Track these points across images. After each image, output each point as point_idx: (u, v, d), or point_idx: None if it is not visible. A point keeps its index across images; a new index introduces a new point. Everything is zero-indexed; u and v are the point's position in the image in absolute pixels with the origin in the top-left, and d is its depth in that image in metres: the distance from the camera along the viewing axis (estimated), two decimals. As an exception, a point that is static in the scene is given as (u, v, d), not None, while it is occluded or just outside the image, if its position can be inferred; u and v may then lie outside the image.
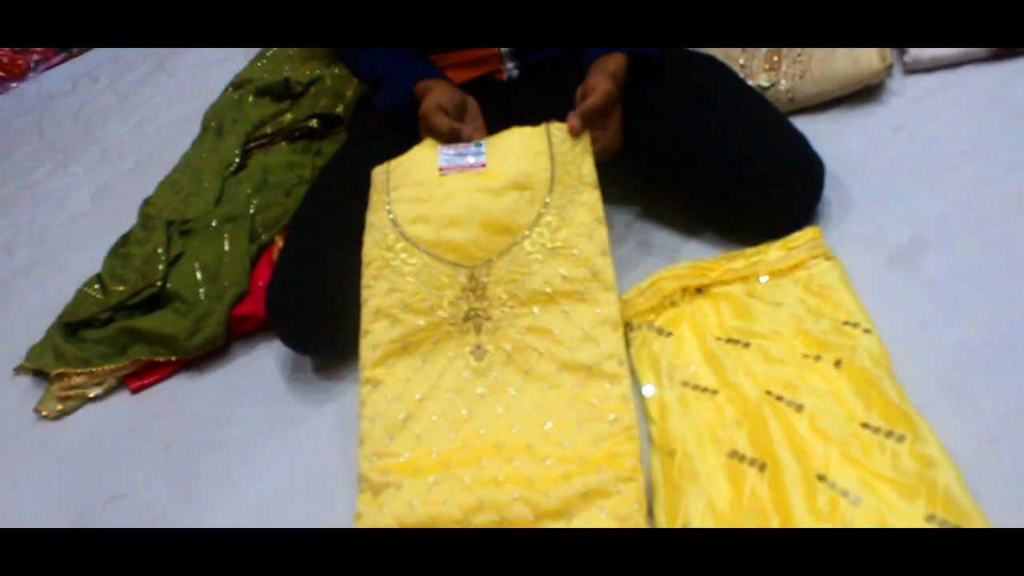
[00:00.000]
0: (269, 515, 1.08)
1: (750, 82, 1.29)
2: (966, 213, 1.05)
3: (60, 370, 1.40)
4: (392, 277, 1.07)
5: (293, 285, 1.18)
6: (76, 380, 1.39)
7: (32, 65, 2.90)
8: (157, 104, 2.35)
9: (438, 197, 1.09)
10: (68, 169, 2.26)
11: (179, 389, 1.35)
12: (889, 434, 0.83)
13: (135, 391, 1.37)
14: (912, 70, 1.29)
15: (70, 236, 1.96)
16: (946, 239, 1.03)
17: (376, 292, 1.07)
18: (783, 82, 1.30)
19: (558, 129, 1.11)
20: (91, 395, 1.39)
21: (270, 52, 2.02)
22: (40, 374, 1.49)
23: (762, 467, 0.84)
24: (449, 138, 1.12)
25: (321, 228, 1.21)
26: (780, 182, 1.09)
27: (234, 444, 1.20)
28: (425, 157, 1.12)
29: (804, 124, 1.16)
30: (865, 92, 1.28)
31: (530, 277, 1.04)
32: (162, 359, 1.34)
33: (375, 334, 1.05)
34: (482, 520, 0.91)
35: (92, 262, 1.68)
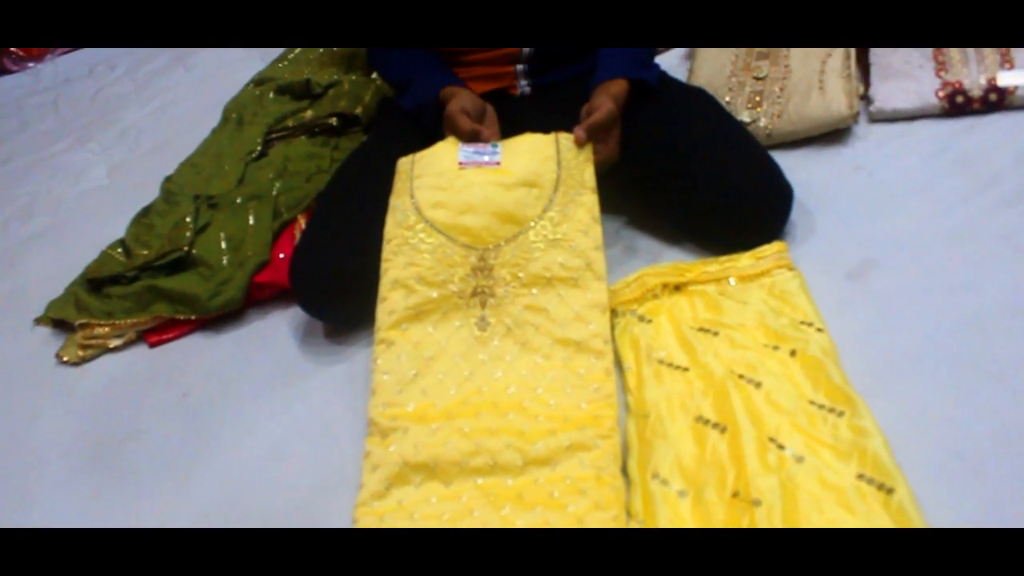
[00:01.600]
0: (280, 457, 1.20)
1: (735, 115, 1.46)
2: (911, 241, 1.22)
3: (83, 320, 1.52)
4: (410, 253, 1.21)
5: (317, 255, 1.31)
6: (98, 331, 1.50)
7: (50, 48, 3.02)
8: (175, 94, 2.49)
9: (456, 187, 1.23)
10: (85, 146, 2.38)
11: (195, 346, 1.47)
12: (831, 410, 0.98)
13: (153, 345, 1.49)
14: (875, 119, 1.47)
15: (86, 206, 2.07)
16: (892, 261, 1.20)
17: (395, 265, 1.21)
18: (763, 119, 1.47)
19: (565, 139, 1.26)
20: (111, 345, 1.50)
21: (291, 55, 2.16)
22: (59, 325, 1.60)
23: (723, 430, 0.99)
24: (469, 137, 1.27)
25: (345, 207, 1.35)
26: (754, 202, 1.25)
27: (248, 395, 1.33)
28: (447, 152, 1.27)
29: (779, 156, 1.33)
30: (833, 134, 1.46)
31: (532, 262, 1.19)
32: (182, 317, 1.46)
33: (391, 301, 1.19)
34: (477, 463, 1.04)
35: (108, 230, 1.79)
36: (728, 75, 1.58)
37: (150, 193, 1.86)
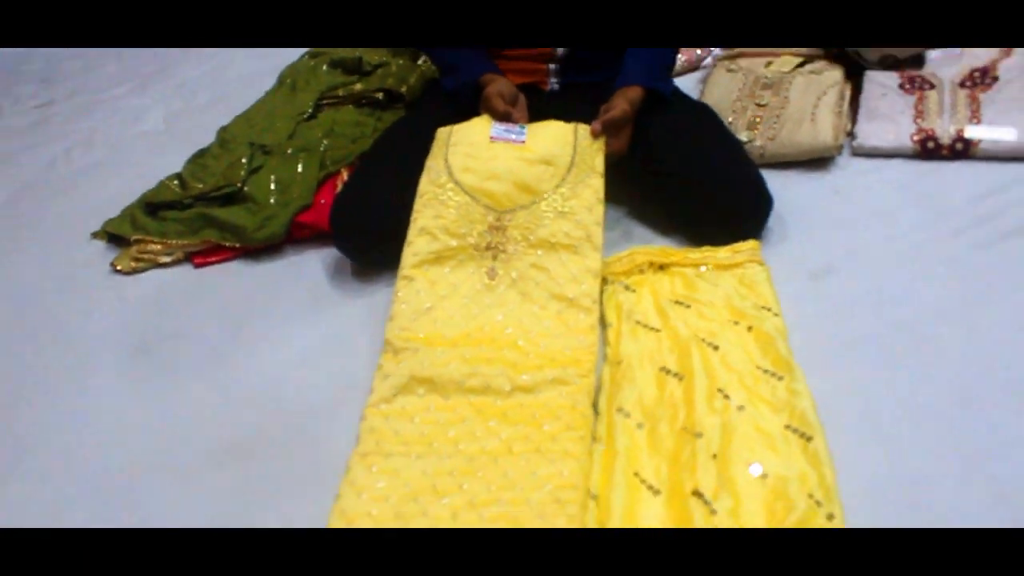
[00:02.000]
0: (305, 364, 1.40)
1: (736, 134, 1.66)
2: (867, 255, 1.41)
3: (138, 237, 1.71)
4: (438, 207, 1.41)
5: (356, 203, 1.51)
6: (151, 247, 1.70)
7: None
8: (232, 56, 2.69)
9: (485, 157, 1.43)
10: (144, 92, 2.59)
11: (235, 271, 1.66)
12: (773, 375, 1.18)
13: (198, 265, 1.69)
14: (856, 153, 1.66)
15: (143, 145, 2.27)
16: (848, 269, 1.39)
17: (424, 215, 1.41)
18: (759, 140, 1.67)
19: (583, 129, 1.46)
20: (161, 261, 1.70)
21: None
22: (114, 240, 1.79)
23: (681, 378, 1.19)
24: (502, 117, 1.47)
25: (385, 165, 1.55)
26: (738, 206, 1.45)
27: (279, 315, 1.52)
28: (481, 127, 1.47)
29: (769, 174, 1.53)
30: (819, 161, 1.65)
31: (541, 228, 1.38)
32: (228, 244, 1.66)
33: (417, 245, 1.39)
34: (473, 383, 1.23)
35: (162, 167, 1.97)
36: (734, 99, 1.78)
37: (203, 140, 2.05)
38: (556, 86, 1.64)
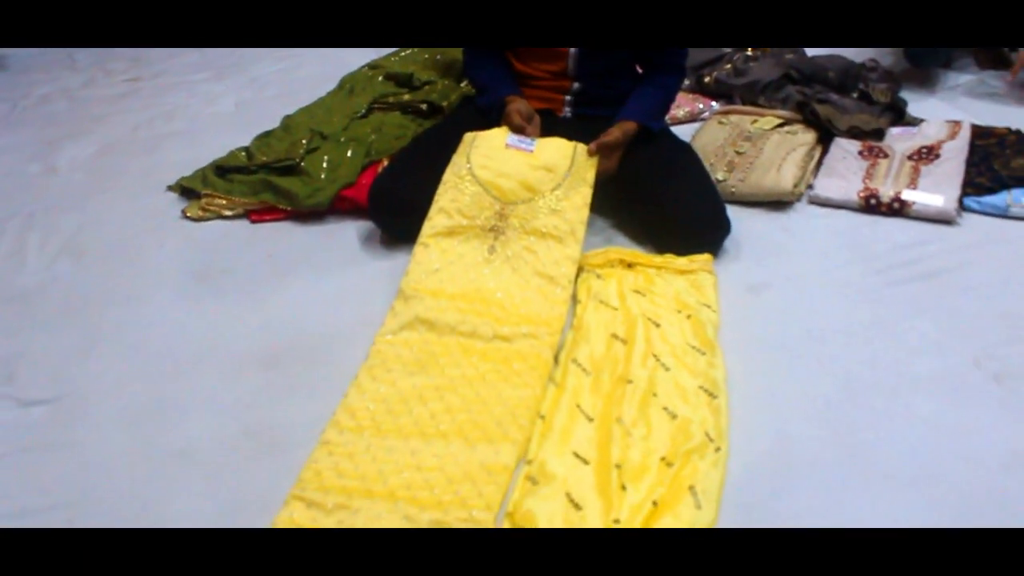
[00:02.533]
0: (332, 302, 1.72)
1: (711, 174, 1.99)
2: (800, 280, 1.72)
3: (208, 192, 2.06)
4: (456, 193, 1.74)
5: (391, 184, 1.85)
6: (217, 201, 2.05)
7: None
8: (300, 60, 3.07)
9: (499, 159, 1.77)
10: (221, 81, 2.97)
11: (284, 228, 2.01)
12: (699, 351, 1.49)
13: (254, 221, 2.03)
14: (812, 202, 1.98)
15: (215, 123, 2.64)
16: (782, 287, 1.70)
17: (444, 198, 1.74)
18: (731, 181, 2.00)
19: (581, 148, 1.79)
20: (224, 214, 2.04)
21: (403, 53, 2.73)
22: (185, 193, 2.15)
23: (625, 343, 1.51)
24: (517, 130, 1.81)
25: (419, 157, 1.89)
26: (700, 227, 1.77)
27: (316, 264, 1.85)
28: (500, 136, 1.81)
29: (737, 208, 1.87)
30: (779, 204, 1.97)
31: (535, 220, 1.71)
32: (281, 207, 2.00)
33: (435, 220, 1.72)
34: (463, 328, 1.55)
35: (231, 142, 2.33)
36: (719, 145, 2.12)
37: (268, 125, 2.40)
38: (568, 114, 1.97)
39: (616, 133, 1.80)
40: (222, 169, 2.13)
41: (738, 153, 2.08)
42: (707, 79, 2.50)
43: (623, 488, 1.23)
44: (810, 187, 2.02)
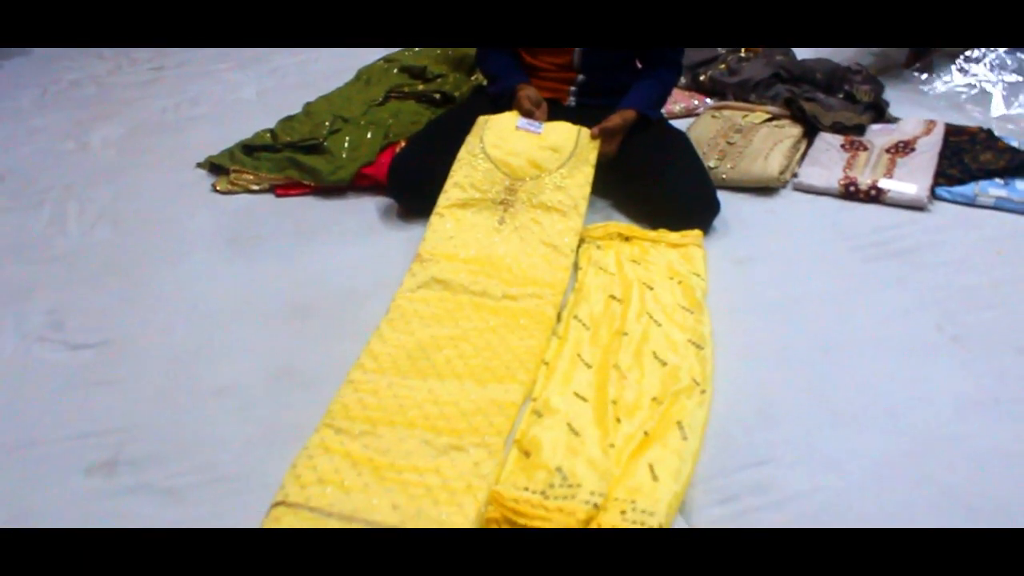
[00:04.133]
0: (353, 265, 1.87)
1: (704, 162, 2.15)
2: (782, 254, 1.88)
3: (236, 167, 2.22)
4: (469, 169, 1.91)
5: (409, 160, 2.02)
6: (245, 177, 2.21)
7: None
8: (319, 54, 3.23)
9: (510, 139, 1.93)
10: (243, 71, 3.13)
11: (308, 203, 2.16)
12: (688, 310, 1.65)
13: (279, 195, 2.19)
14: (796, 188, 2.14)
15: (239, 108, 2.80)
16: (766, 261, 1.86)
17: (458, 174, 1.90)
18: (721, 168, 2.16)
19: (585, 131, 1.96)
20: (251, 188, 2.20)
21: (417, 48, 2.89)
22: (214, 170, 2.30)
23: (621, 302, 1.66)
24: (526, 114, 1.97)
25: (435, 137, 2.06)
26: (692, 207, 1.93)
27: (337, 233, 2.01)
28: (510, 119, 1.97)
29: (726, 193, 2.03)
30: (767, 190, 2.13)
31: (542, 195, 1.87)
32: (305, 182, 2.16)
33: (450, 193, 1.88)
34: (474, 288, 1.71)
35: (254, 125, 2.48)
36: (711, 136, 2.28)
37: (290, 111, 2.56)
38: (573, 103, 2.14)
39: (617, 119, 1.97)
40: (249, 147, 2.28)
41: (729, 143, 2.24)
42: (703, 77, 2.67)
43: (618, 420, 1.39)
44: (795, 175, 2.18)
